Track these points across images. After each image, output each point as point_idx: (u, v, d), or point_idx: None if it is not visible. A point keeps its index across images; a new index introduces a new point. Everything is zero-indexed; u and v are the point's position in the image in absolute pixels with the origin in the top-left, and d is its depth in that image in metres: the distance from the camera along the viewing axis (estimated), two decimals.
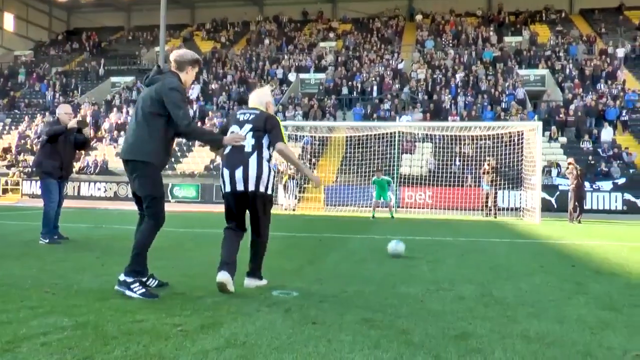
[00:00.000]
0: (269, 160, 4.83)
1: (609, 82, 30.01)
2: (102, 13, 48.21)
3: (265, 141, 4.82)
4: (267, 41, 39.95)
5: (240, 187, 4.73)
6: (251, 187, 4.72)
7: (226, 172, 4.77)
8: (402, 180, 22.91)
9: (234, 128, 4.90)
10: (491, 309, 4.37)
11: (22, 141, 32.29)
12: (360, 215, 18.14)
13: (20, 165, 30.05)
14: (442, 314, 4.15)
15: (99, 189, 27.07)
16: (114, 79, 38.77)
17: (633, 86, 29.92)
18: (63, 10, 50.34)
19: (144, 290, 4.49)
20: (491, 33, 37.01)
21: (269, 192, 4.83)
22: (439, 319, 3.98)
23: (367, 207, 20.87)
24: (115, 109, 33.57)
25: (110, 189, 26.92)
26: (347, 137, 24.27)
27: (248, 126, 4.84)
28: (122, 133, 31.41)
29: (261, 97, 5.10)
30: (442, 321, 3.90)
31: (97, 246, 8.18)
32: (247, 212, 4.93)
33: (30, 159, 30.52)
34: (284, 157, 4.92)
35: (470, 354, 3.18)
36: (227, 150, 4.84)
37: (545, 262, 7.27)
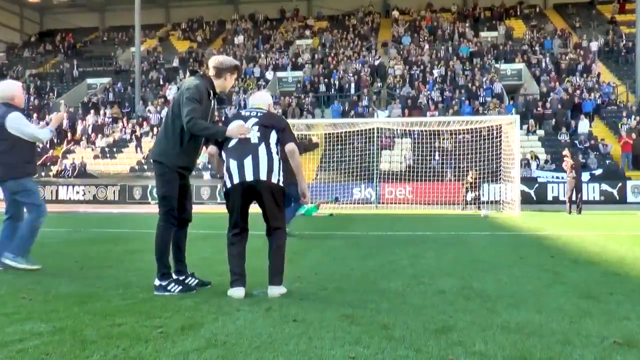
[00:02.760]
0: (278, 153, 4.66)
1: (585, 75, 30.44)
2: (76, 14, 47.57)
3: (272, 136, 4.65)
4: (243, 39, 39.78)
5: (250, 176, 4.49)
6: (263, 177, 4.50)
7: (233, 163, 4.54)
8: (382, 176, 22.98)
9: (237, 122, 4.73)
10: (472, 301, 4.39)
11: None
12: (341, 212, 18.16)
13: None
14: (422, 308, 4.16)
15: (77, 192, 26.74)
16: (90, 80, 38.31)
17: (607, 79, 30.38)
18: (35, 11, 49.58)
19: (181, 287, 4.62)
20: (467, 28, 37.27)
21: (282, 184, 4.63)
22: (419, 313, 3.99)
23: (348, 204, 20.95)
24: (92, 111, 33.18)
25: (89, 192, 26.62)
26: (326, 134, 24.27)
27: (253, 120, 4.70)
28: (99, 135, 31.11)
29: (264, 99, 5.01)
30: (423, 315, 3.91)
31: (76, 250, 8.08)
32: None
33: None
34: (292, 159, 4.70)
35: (452, 347, 3.19)
36: (231, 143, 4.63)
37: (524, 254, 7.34)
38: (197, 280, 4.98)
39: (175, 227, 4.88)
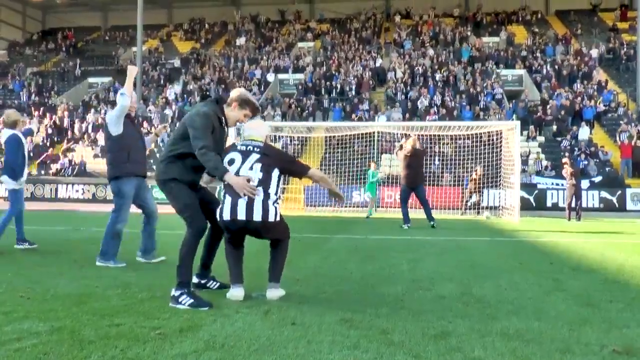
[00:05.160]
0: (275, 200, 4.50)
1: (585, 82, 30.46)
2: (78, 13, 47.64)
3: (274, 179, 4.48)
4: (244, 41, 39.82)
5: (242, 216, 4.35)
6: (257, 217, 4.36)
7: (228, 199, 4.41)
8: (382, 180, 22.95)
9: (234, 156, 4.52)
10: (471, 307, 4.39)
11: None
12: (340, 216, 18.15)
13: None
14: (422, 313, 4.16)
15: (77, 191, 26.74)
16: (91, 79, 38.36)
17: (608, 86, 30.41)
18: (38, 9, 49.65)
19: (192, 300, 4.29)
20: (469, 33, 37.31)
21: (278, 218, 4.50)
22: (418, 318, 3.98)
23: (347, 207, 20.90)
24: (92, 110, 33.20)
25: (89, 190, 26.61)
26: (326, 137, 24.28)
27: (255, 156, 4.48)
28: (100, 134, 31.08)
29: (260, 130, 4.77)
30: (422, 320, 3.91)
31: (75, 249, 8.06)
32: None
33: None
34: (317, 181, 4.73)
35: (450, 353, 3.18)
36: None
37: (524, 260, 7.33)
38: (218, 284, 4.98)
39: (202, 235, 4.62)
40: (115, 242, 6.54)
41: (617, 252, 8.27)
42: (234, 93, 4.90)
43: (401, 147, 13.96)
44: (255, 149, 4.56)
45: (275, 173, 4.51)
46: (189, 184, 4.66)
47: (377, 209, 20.88)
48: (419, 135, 23.29)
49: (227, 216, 4.41)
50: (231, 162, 4.51)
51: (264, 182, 4.45)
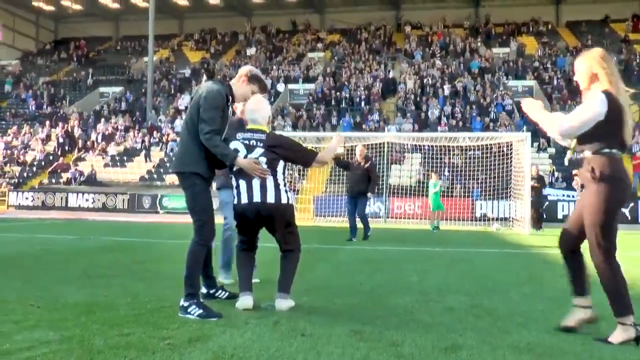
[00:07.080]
0: (285, 186, 4.58)
1: None
2: (90, 23, 47.97)
3: (280, 168, 4.55)
4: (255, 51, 40.01)
5: (257, 198, 4.45)
6: (270, 199, 4.45)
7: (242, 182, 4.49)
8: (391, 190, 22.91)
9: (237, 146, 4.53)
10: (481, 319, 4.35)
11: (9, 151, 32.01)
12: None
13: (6, 176, 29.76)
14: (431, 325, 4.13)
15: (87, 200, 26.87)
16: (102, 89, 38.63)
17: None
18: (50, 19, 50.10)
19: (201, 311, 4.23)
20: (479, 44, 37.27)
21: (290, 201, 4.60)
22: (428, 330, 3.95)
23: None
24: (103, 119, 33.42)
25: (99, 200, 26.74)
26: None
27: (259, 150, 4.51)
28: (111, 144, 31.29)
29: (263, 113, 4.68)
30: (432, 333, 3.87)
31: (84, 258, 8.09)
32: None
33: (17, 169, 30.23)
34: (325, 163, 4.86)
35: None
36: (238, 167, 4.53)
37: (534, 272, 7.28)
38: (227, 293, 4.95)
39: (208, 245, 4.54)
40: (224, 254, 6.05)
41: (630, 266, 8.16)
42: (243, 69, 4.85)
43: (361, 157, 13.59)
44: (259, 143, 4.56)
45: (281, 165, 4.58)
46: (208, 180, 4.57)
47: (385, 220, 20.84)
48: (429, 145, 23.36)
49: (244, 199, 4.48)
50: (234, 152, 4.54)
51: (271, 168, 4.52)
